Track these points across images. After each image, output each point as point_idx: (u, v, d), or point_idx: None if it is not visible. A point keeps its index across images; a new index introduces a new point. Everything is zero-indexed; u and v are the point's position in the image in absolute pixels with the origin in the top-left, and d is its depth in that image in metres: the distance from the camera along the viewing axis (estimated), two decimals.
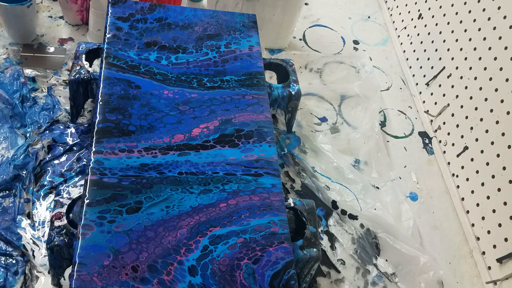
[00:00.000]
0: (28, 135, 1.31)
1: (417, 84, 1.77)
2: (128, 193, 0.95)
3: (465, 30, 1.52)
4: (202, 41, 1.29)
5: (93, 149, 1.00)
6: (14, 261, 1.08)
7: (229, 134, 1.10)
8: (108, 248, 0.87)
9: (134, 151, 1.02)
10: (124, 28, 1.26)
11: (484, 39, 1.42)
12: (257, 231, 0.96)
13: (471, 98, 1.46)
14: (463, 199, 1.44)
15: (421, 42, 1.77)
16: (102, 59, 1.17)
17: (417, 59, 1.79)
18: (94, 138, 1.02)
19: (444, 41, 1.63)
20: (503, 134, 1.30)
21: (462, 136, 1.48)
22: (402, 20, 1.95)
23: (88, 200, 0.92)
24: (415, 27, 1.84)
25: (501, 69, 1.34)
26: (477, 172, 1.39)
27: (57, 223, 0.96)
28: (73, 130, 1.35)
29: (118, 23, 1.27)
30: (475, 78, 1.44)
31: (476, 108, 1.43)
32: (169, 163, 1.02)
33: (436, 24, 1.69)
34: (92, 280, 0.83)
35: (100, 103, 1.08)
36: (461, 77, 1.51)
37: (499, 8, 1.37)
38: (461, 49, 1.53)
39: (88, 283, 0.83)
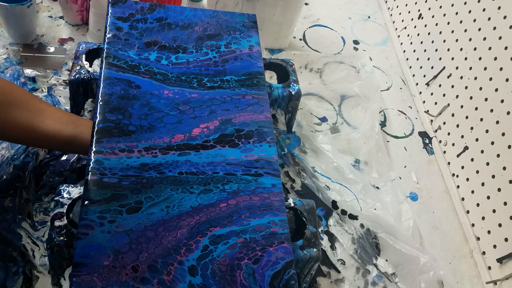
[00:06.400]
0: None
1: (417, 84, 1.77)
2: (128, 193, 0.95)
3: (465, 30, 1.52)
4: (202, 41, 1.29)
5: (93, 149, 1.00)
6: (14, 261, 1.07)
7: (229, 134, 1.10)
8: (108, 248, 0.87)
9: (134, 151, 1.02)
10: (124, 28, 1.26)
11: (484, 39, 1.42)
12: (257, 231, 0.96)
13: (471, 98, 1.45)
14: (463, 199, 1.44)
15: (421, 42, 1.77)
16: (102, 59, 1.17)
17: (417, 59, 1.79)
18: (94, 138, 1.02)
19: (444, 41, 1.63)
20: (503, 134, 1.30)
21: (462, 136, 1.48)
22: (402, 20, 1.95)
23: (88, 200, 0.92)
24: (415, 27, 1.84)
25: (501, 69, 1.34)
26: (477, 172, 1.39)
27: (57, 223, 0.95)
28: None
29: (118, 23, 1.26)
30: (475, 78, 1.44)
31: (476, 108, 1.43)
32: (169, 163, 1.02)
33: (436, 24, 1.69)
34: (92, 280, 0.83)
35: (100, 103, 1.08)
36: (461, 77, 1.51)
37: (499, 8, 1.37)
38: (461, 49, 1.53)
39: (88, 283, 0.83)
